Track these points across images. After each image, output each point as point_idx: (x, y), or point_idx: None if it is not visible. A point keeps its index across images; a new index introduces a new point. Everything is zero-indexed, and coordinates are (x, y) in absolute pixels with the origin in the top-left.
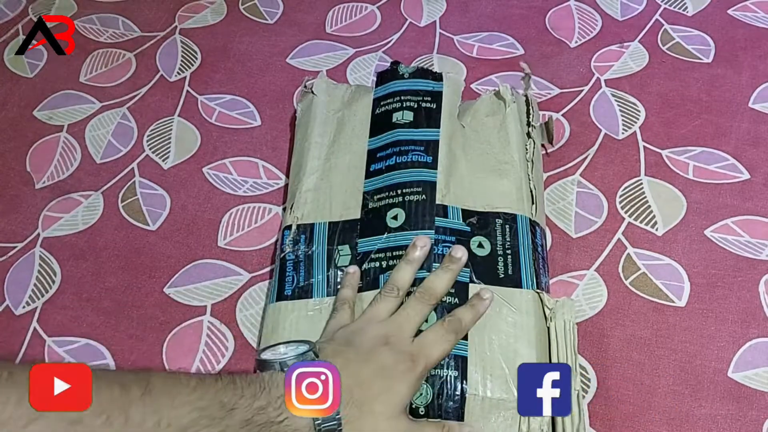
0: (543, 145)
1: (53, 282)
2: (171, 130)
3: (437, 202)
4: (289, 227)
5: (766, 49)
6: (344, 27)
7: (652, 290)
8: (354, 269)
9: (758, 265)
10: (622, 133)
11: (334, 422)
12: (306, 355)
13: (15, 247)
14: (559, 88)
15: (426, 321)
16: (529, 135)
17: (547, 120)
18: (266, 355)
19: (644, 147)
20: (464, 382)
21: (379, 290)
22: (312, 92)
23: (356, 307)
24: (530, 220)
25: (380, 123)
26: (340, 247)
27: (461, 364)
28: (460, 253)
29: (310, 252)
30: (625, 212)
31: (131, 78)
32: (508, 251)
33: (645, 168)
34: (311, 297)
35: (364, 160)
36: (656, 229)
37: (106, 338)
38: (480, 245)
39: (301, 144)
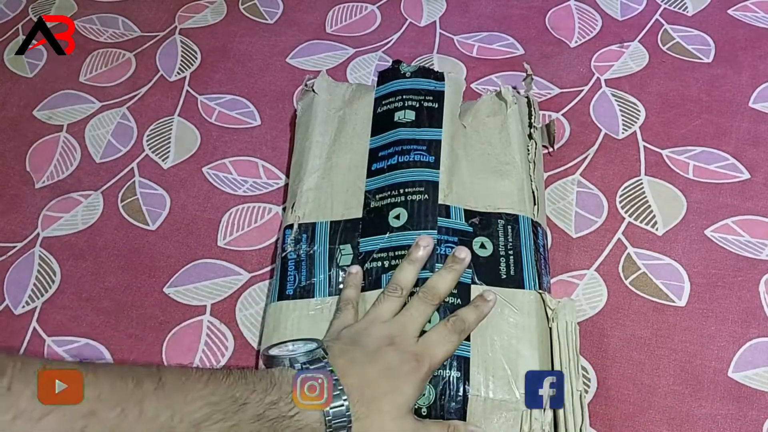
0: (544, 146)
1: (53, 282)
2: (171, 129)
3: (440, 202)
4: (290, 226)
5: (766, 49)
6: (344, 27)
7: (652, 290)
8: (357, 269)
9: (758, 264)
10: (622, 132)
11: (344, 419)
12: (315, 353)
13: (15, 247)
14: (559, 88)
15: (429, 321)
16: (530, 136)
17: (548, 123)
18: (274, 351)
19: (644, 147)
20: (467, 383)
21: (381, 290)
22: (313, 91)
23: (359, 307)
24: (532, 220)
25: (382, 122)
26: (341, 247)
27: (464, 365)
28: (463, 253)
29: (311, 251)
30: (626, 212)
31: (131, 78)
32: (511, 252)
33: (645, 168)
34: (313, 296)
35: (365, 159)
36: (656, 229)
37: (105, 338)
38: (482, 246)
39: (302, 143)
